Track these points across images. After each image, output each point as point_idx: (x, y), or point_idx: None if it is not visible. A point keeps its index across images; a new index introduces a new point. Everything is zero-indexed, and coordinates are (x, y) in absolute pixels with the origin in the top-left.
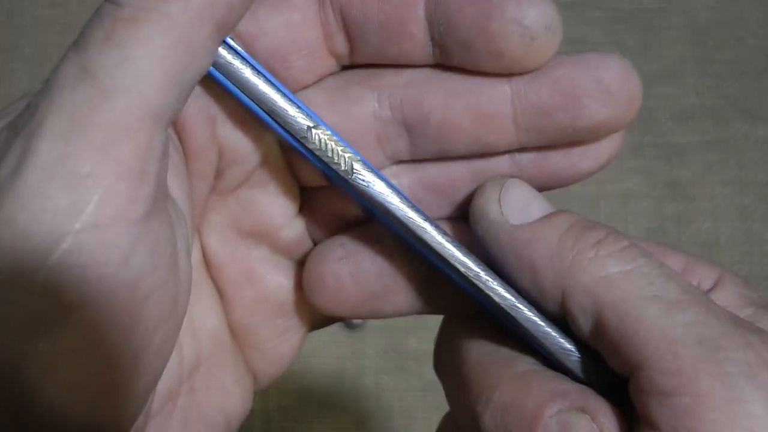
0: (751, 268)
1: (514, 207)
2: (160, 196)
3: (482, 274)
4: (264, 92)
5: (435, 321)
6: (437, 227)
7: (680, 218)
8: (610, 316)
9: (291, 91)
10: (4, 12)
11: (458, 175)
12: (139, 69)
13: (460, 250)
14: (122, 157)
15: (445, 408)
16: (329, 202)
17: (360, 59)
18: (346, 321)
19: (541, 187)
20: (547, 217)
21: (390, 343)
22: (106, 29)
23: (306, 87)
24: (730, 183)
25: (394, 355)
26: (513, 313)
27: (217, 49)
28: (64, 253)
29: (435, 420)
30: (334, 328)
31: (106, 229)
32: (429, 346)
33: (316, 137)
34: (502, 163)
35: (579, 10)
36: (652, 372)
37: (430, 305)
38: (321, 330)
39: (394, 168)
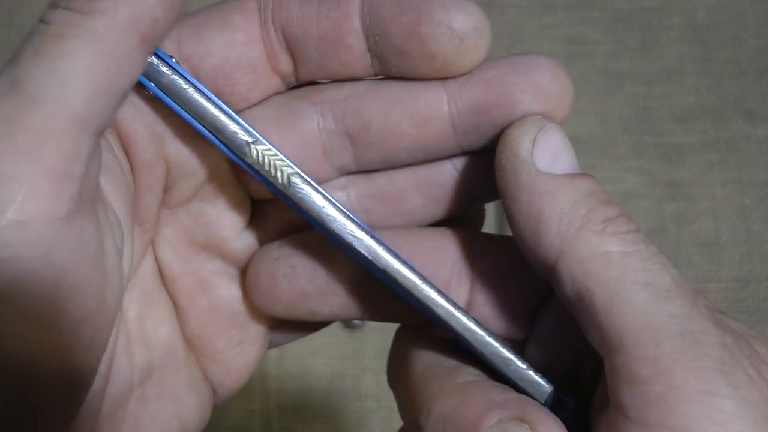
0: (751, 268)
1: (546, 152)
2: (87, 197)
3: (419, 283)
4: (206, 110)
5: None
6: (374, 237)
7: (680, 218)
8: (599, 293)
9: (237, 109)
10: (4, 12)
11: (404, 184)
12: (64, 79)
13: (398, 259)
14: (46, 159)
15: None
16: (279, 214)
17: (304, 76)
18: (344, 323)
19: (490, 196)
20: (572, 176)
21: (390, 343)
22: (36, 45)
23: (253, 105)
24: (730, 183)
25: None
26: (451, 322)
27: (145, 60)
28: None
29: None
30: (334, 329)
31: (30, 226)
32: None
33: (255, 152)
34: (445, 170)
35: (579, 10)
36: (629, 357)
37: (368, 311)
38: (321, 330)
39: (342, 180)
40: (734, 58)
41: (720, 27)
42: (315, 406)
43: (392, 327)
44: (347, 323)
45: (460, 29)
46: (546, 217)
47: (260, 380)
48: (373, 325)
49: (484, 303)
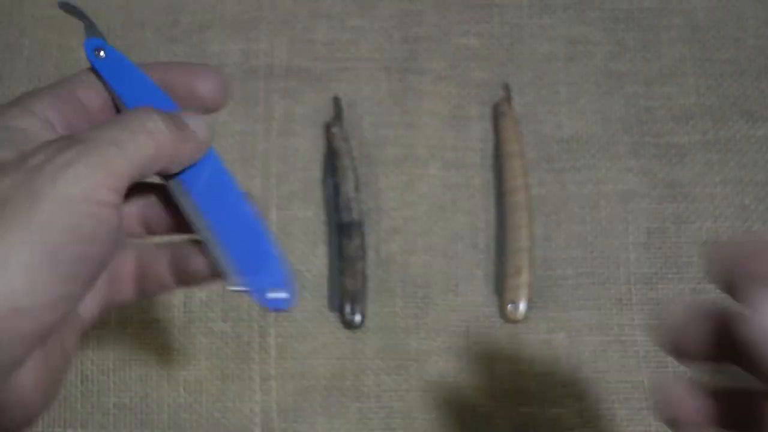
0: None
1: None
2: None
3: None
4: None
5: (435, 321)
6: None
7: (680, 218)
8: None
9: None
10: (4, 12)
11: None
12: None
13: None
14: None
15: (445, 409)
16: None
17: None
18: (344, 323)
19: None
20: None
21: (390, 343)
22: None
23: None
24: (730, 183)
25: (394, 355)
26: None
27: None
28: None
29: (435, 420)
30: (334, 329)
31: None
32: (429, 346)
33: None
34: None
35: (579, 10)
36: None
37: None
38: (321, 330)
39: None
40: (734, 58)
41: (720, 27)
42: (315, 406)
43: (392, 327)
44: (347, 323)
45: (215, 88)
46: None
47: (260, 380)
48: (373, 325)
49: None
